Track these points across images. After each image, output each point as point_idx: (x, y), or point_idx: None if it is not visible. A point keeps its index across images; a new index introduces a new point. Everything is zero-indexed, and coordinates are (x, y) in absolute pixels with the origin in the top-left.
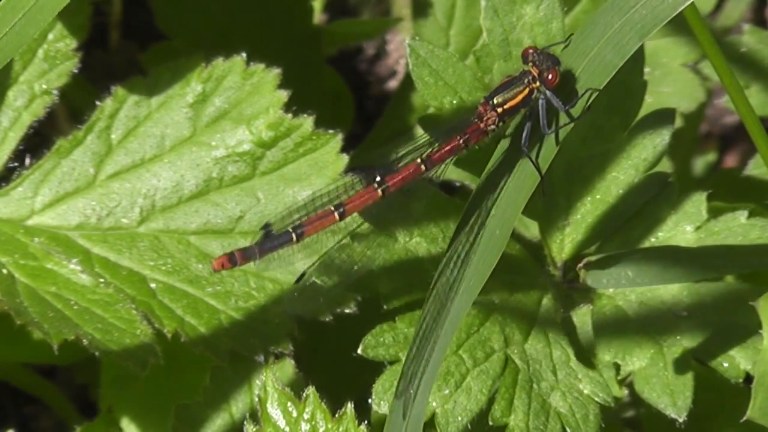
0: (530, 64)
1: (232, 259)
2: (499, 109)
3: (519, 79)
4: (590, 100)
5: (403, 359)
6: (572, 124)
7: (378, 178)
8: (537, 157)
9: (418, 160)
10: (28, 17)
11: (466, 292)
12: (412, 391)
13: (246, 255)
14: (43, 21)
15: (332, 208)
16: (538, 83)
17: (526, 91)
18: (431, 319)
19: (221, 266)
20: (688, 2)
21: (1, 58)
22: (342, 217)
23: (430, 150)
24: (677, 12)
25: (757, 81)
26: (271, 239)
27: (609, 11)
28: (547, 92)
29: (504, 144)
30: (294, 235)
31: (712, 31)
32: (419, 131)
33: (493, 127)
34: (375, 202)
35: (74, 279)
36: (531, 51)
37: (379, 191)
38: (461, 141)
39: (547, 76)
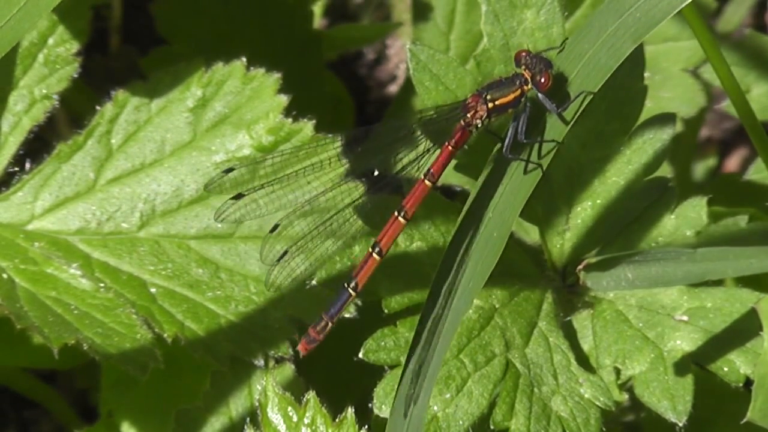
0: (523, 67)
1: (310, 340)
2: (490, 104)
3: (511, 81)
4: (583, 103)
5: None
6: (554, 144)
7: (397, 209)
8: (528, 157)
9: (422, 177)
10: (23, 12)
11: (464, 295)
12: (413, 394)
13: (321, 329)
14: (37, 15)
15: (370, 250)
16: (530, 86)
17: (518, 92)
18: (430, 322)
19: (306, 350)
20: (683, 4)
21: None
22: (381, 255)
23: (428, 165)
24: (671, 15)
25: (757, 85)
26: (332, 306)
27: (604, 14)
28: (540, 95)
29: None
30: (350, 291)
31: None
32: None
33: (478, 122)
34: (402, 229)
35: (74, 284)
36: (524, 54)
37: (401, 219)
38: (450, 147)
39: (540, 79)
